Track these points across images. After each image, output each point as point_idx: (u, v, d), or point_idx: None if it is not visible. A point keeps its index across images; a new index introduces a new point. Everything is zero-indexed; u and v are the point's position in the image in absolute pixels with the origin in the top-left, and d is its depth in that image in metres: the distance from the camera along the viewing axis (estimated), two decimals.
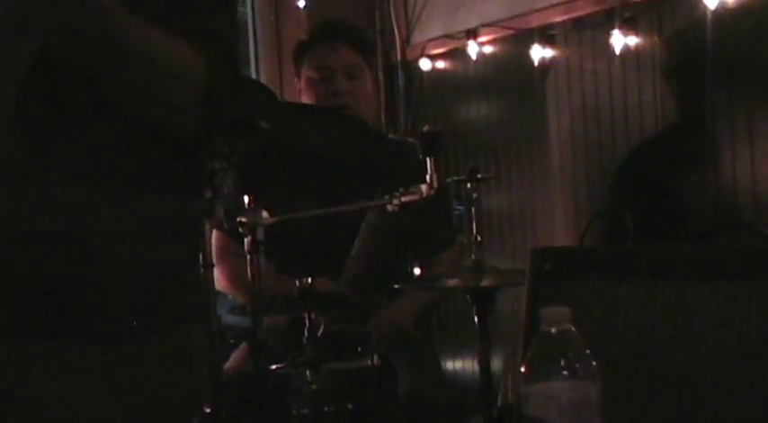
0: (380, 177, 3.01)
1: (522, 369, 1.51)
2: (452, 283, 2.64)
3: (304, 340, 2.53)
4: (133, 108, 1.46)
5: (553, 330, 1.47)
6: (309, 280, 2.53)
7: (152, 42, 1.41)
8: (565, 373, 1.46)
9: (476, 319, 2.42)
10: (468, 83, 4.41)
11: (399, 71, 4.76)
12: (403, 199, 2.51)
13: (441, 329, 3.92)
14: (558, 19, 3.87)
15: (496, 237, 4.17)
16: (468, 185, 2.48)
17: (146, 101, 1.45)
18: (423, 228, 3.15)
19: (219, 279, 3.12)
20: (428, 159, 2.47)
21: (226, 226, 2.53)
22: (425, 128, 2.53)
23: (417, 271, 2.87)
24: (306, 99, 3.33)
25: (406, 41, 4.72)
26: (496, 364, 2.50)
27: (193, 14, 1.48)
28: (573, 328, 1.47)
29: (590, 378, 1.47)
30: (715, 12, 3.17)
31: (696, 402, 1.78)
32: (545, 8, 3.92)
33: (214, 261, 2.33)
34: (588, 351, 1.48)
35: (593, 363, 1.47)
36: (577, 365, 1.45)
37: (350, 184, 3.13)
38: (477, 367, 2.47)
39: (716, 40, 3.20)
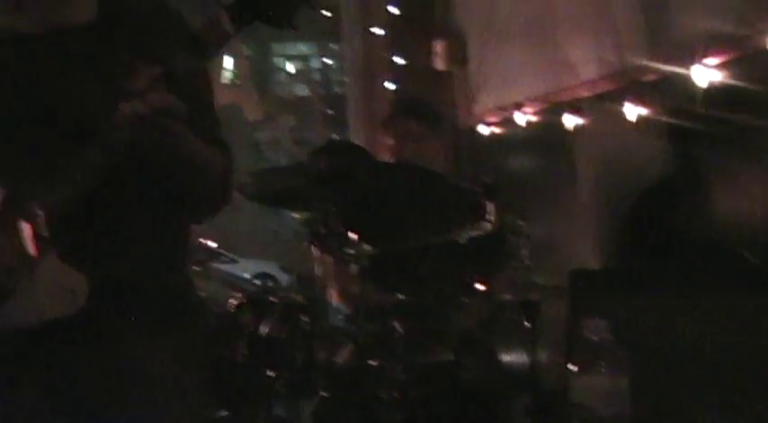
0: (449, 214, 3.01)
1: (569, 366, 1.51)
2: (508, 297, 2.64)
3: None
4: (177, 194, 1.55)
5: (594, 338, 1.47)
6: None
7: (205, 155, 1.52)
8: (603, 370, 1.45)
9: (525, 323, 2.40)
10: (514, 144, 4.39)
11: (461, 135, 4.76)
12: (471, 234, 2.51)
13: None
14: (585, 94, 3.85)
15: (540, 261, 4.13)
16: (520, 222, 2.48)
17: (188, 191, 1.55)
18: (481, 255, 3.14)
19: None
20: (489, 203, 2.47)
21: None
22: (485, 179, 2.53)
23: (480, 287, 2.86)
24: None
25: (468, 112, 4.72)
26: (543, 357, 2.48)
27: (214, 127, 1.60)
28: (611, 336, 1.46)
29: (623, 374, 1.46)
30: (706, 89, 3.12)
31: (720, 407, 1.72)
32: (574, 86, 3.90)
33: None
34: (622, 352, 1.47)
35: (626, 361, 1.46)
36: (614, 364, 1.45)
37: (424, 219, 3.13)
38: (527, 360, 2.45)
39: (707, 110, 3.15)
